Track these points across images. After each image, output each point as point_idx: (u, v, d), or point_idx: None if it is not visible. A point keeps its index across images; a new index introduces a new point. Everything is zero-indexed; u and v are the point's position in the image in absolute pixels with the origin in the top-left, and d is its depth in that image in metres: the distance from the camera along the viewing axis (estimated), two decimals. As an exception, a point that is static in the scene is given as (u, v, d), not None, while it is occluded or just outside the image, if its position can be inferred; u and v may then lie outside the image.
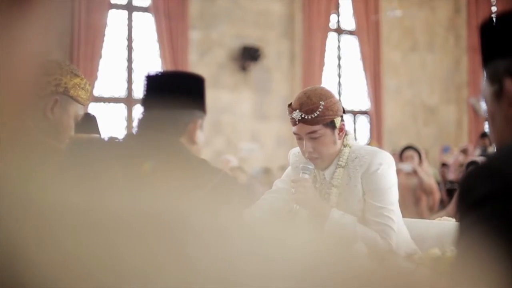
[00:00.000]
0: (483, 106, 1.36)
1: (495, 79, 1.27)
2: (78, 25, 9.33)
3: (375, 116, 11.69)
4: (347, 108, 11.99)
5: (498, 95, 1.27)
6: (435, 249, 1.85)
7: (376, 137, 11.61)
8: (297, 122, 2.47)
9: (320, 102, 2.44)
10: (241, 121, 10.84)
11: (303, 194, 2.45)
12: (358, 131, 11.99)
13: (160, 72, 1.88)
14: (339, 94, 11.77)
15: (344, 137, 2.56)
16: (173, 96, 1.83)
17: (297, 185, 2.48)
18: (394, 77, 12.03)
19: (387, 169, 2.48)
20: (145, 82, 1.87)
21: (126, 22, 10.36)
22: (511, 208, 1.04)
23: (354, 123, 11.92)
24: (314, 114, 2.43)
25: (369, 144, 10.43)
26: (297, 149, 2.68)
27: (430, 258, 1.82)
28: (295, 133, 2.51)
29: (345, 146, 2.55)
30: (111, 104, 10.39)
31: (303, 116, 2.44)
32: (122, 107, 10.48)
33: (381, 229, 2.43)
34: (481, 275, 1.02)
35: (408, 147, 7.19)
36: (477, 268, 1.04)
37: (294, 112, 2.47)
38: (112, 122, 10.39)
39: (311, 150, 2.48)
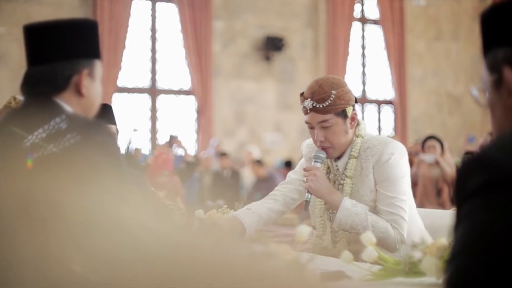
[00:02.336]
0: (486, 96, 1.35)
1: (494, 68, 1.26)
2: (101, 15, 9.39)
3: (400, 105, 11.62)
4: (371, 97, 11.99)
5: (497, 85, 1.26)
6: (442, 239, 1.84)
7: (401, 127, 11.55)
8: (308, 111, 2.47)
9: (332, 91, 2.43)
10: (264, 111, 10.84)
11: (314, 182, 2.45)
12: (383, 120, 11.92)
13: (37, 23, 1.66)
14: (363, 83, 11.71)
15: (356, 127, 2.55)
16: (53, 47, 1.65)
17: (308, 173, 2.48)
18: (418, 67, 11.93)
19: (399, 159, 2.46)
20: (25, 36, 1.69)
21: (150, 12, 10.41)
22: (505, 199, 1.03)
23: (379, 113, 11.84)
24: (325, 103, 2.43)
25: (391, 137, 10.37)
26: (310, 141, 2.69)
27: (437, 248, 1.81)
28: (306, 122, 2.51)
29: (357, 137, 2.54)
30: (135, 94, 10.46)
31: (314, 104, 2.44)
32: (146, 98, 10.54)
33: (392, 219, 2.43)
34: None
35: (430, 137, 7.13)
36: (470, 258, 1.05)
37: (305, 100, 2.47)
38: (136, 112, 10.48)
39: (323, 139, 2.48)
